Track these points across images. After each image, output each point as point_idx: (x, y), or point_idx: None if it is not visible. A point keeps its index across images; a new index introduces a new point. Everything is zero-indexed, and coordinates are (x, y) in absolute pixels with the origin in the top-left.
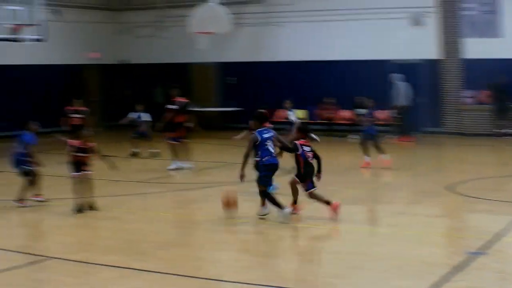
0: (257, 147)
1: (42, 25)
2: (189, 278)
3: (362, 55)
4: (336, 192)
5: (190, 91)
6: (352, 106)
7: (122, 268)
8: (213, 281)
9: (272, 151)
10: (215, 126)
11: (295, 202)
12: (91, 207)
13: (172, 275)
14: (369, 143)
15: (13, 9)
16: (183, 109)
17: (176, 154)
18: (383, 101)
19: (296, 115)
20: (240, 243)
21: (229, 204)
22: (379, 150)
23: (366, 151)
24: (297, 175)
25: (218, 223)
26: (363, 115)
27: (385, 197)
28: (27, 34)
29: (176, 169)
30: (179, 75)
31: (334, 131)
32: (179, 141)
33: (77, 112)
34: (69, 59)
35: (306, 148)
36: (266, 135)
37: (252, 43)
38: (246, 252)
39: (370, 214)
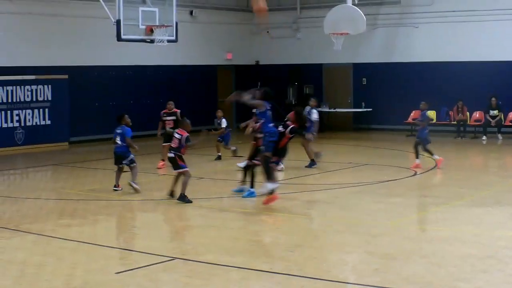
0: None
1: (174, 26)
2: (314, 279)
3: (497, 56)
4: (465, 194)
5: (323, 92)
6: (486, 107)
7: (247, 270)
8: (339, 283)
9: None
10: (347, 127)
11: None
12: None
13: (297, 277)
14: (421, 146)
15: (147, 10)
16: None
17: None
18: None
19: (428, 116)
20: (366, 245)
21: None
22: (419, 153)
23: (416, 154)
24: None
25: (342, 224)
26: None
27: None
28: (160, 35)
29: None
30: (313, 76)
31: (466, 132)
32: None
33: (170, 114)
34: (203, 60)
35: None
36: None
37: (387, 44)
38: (371, 254)
39: (498, 217)
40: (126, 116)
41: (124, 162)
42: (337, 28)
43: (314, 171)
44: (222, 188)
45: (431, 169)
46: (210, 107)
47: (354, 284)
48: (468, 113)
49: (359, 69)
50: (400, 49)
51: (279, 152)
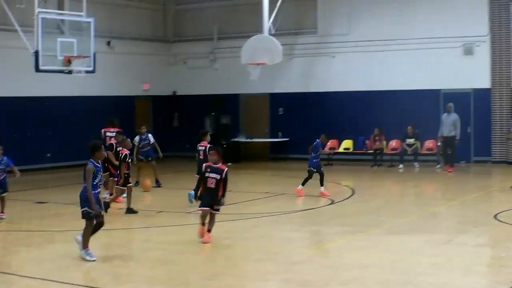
0: None
1: (91, 56)
2: None
3: (413, 85)
4: (382, 222)
5: (240, 122)
6: (403, 136)
7: None
8: None
9: None
10: (264, 157)
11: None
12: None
13: None
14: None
15: (65, 41)
16: None
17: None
18: (434, 130)
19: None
20: (284, 272)
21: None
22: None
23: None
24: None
25: (260, 253)
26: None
27: (430, 227)
28: (78, 65)
29: None
30: (230, 106)
31: (383, 160)
32: None
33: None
34: (121, 91)
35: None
36: None
37: (304, 73)
38: (290, 282)
39: (416, 243)
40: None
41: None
42: (254, 58)
43: (232, 200)
44: (143, 218)
45: (347, 198)
46: (127, 136)
47: None
48: (385, 142)
49: (276, 99)
50: (317, 79)
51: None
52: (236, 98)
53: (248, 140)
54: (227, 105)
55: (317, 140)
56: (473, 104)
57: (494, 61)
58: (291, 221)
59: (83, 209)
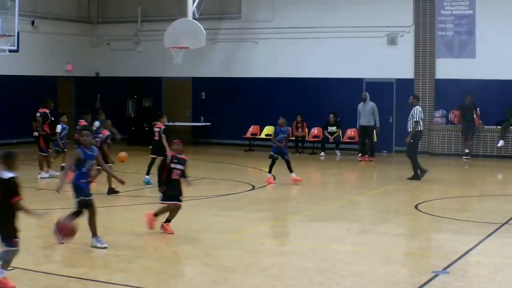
0: None
1: (15, 36)
2: None
3: (336, 73)
4: (302, 209)
5: (162, 105)
6: (324, 124)
7: (86, 280)
8: None
9: None
10: (186, 141)
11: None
12: None
13: None
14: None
15: None
16: None
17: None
18: (356, 119)
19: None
20: (204, 257)
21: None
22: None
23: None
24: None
25: (181, 237)
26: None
27: (351, 215)
28: (2, 44)
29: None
30: (153, 89)
31: (304, 148)
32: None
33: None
34: (44, 71)
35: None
36: None
37: (227, 58)
38: (210, 267)
39: (336, 231)
40: None
41: None
42: (177, 42)
43: (153, 184)
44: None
45: (267, 184)
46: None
47: None
48: (306, 129)
49: (199, 83)
50: (240, 64)
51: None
52: (159, 81)
53: (170, 123)
54: (150, 88)
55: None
56: (396, 94)
57: (418, 51)
58: (212, 206)
59: (78, 199)
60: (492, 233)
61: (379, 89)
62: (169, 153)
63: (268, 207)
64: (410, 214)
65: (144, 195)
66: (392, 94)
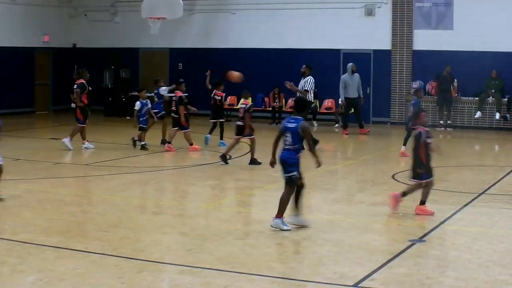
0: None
1: None
2: (128, 259)
3: (314, 44)
4: (279, 179)
5: (139, 76)
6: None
7: (63, 249)
8: (152, 262)
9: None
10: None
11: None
12: None
13: (111, 256)
14: None
15: None
16: None
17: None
18: (333, 90)
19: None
20: (181, 226)
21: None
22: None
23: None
24: None
25: (157, 206)
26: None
27: (328, 184)
28: None
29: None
30: (130, 60)
31: (282, 118)
32: None
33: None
34: (21, 42)
35: None
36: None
37: (204, 29)
38: (186, 235)
39: (313, 200)
40: None
41: None
42: (154, 12)
43: (129, 153)
44: (39, 170)
45: (244, 154)
46: (27, 89)
47: (167, 263)
48: (284, 100)
49: (176, 54)
50: (217, 35)
51: None
52: (136, 52)
53: (148, 94)
54: (127, 59)
55: None
56: (373, 65)
57: (395, 22)
58: (188, 175)
59: (291, 174)
60: (469, 202)
61: (357, 60)
62: (421, 129)
63: (244, 176)
64: (387, 183)
65: (120, 165)
66: (369, 65)
